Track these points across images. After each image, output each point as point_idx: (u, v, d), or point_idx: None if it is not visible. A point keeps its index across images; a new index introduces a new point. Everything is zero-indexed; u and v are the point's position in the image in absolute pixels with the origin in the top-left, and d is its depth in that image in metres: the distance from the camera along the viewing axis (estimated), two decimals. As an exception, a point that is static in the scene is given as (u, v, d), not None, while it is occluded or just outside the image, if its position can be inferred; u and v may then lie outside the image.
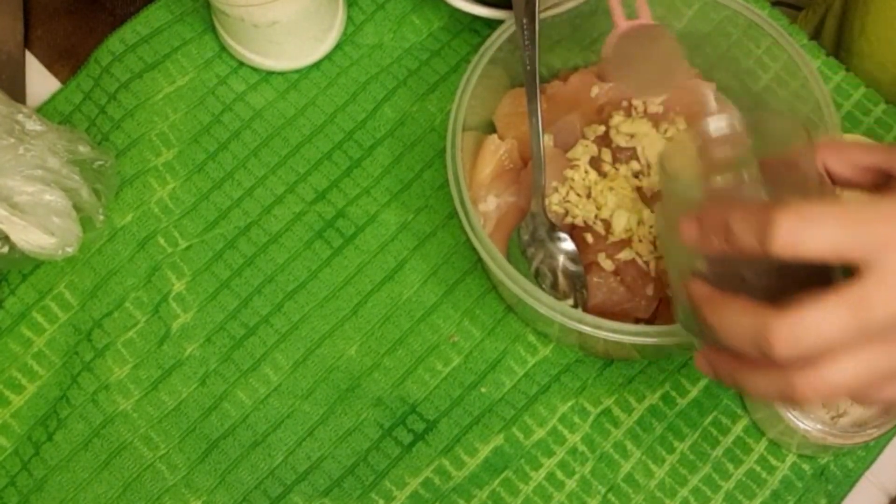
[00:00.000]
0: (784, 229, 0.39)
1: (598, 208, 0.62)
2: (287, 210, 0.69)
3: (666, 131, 0.65)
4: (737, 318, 0.42)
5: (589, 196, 0.63)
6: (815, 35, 0.85)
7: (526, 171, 0.65)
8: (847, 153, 0.48)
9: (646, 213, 0.62)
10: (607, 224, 0.62)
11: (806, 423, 0.58)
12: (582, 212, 0.63)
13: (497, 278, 0.57)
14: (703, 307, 0.44)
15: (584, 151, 0.64)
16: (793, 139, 0.47)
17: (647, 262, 0.62)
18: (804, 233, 0.39)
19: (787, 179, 0.47)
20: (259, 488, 0.63)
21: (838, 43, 0.81)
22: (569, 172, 0.64)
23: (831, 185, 0.48)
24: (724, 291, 0.44)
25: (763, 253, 0.40)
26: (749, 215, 0.41)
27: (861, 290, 0.39)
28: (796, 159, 0.47)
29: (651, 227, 0.62)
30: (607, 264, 0.62)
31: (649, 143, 0.63)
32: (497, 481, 0.63)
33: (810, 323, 0.39)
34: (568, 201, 0.63)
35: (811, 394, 0.41)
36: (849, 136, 0.66)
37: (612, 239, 0.62)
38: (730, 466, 0.63)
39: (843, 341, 0.40)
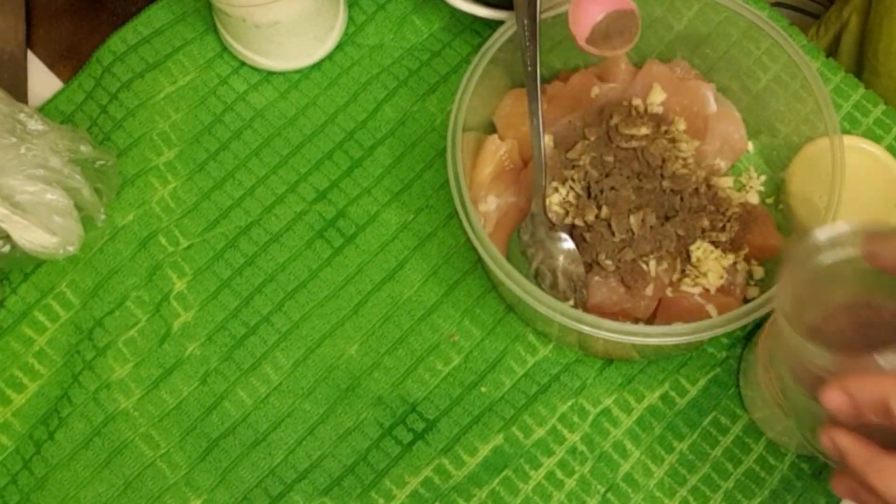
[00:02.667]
0: None
1: (598, 208, 0.63)
2: (288, 209, 0.69)
3: (666, 132, 0.65)
4: None
5: (589, 196, 0.63)
6: (831, 53, 0.84)
7: (526, 171, 0.65)
8: None
9: (645, 212, 0.62)
10: (607, 224, 0.62)
11: None
12: (582, 212, 0.63)
13: (497, 278, 0.57)
14: (860, 467, 0.41)
15: (584, 152, 0.64)
16: None
17: (646, 263, 0.62)
18: None
19: None
20: (259, 487, 0.63)
21: (860, 63, 0.80)
22: (569, 173, 0.64)
23: None
24: (871, 439, 0.41)
25: None
26: None
27: None
28: None
29: (651, 227, 0.62)
30: (607, 264, 0.62)
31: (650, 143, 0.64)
32: (497, 480, 0.63)
33: None
34: (568, 201, 0.63)
35: None
36: (848, 138, 0.66)
37: (612, 239, 0.62)
38: (729, 466, 0.63)
39: None
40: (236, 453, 0.64)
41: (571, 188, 0.64)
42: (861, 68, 0.79)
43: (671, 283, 0.62)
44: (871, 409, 0.40)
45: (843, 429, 0.42)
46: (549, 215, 0.63)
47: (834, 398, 0.41)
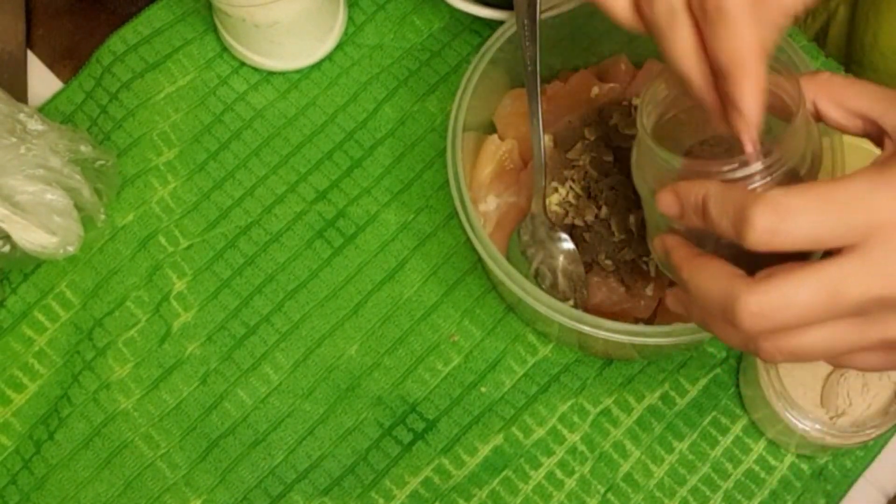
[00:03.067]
0: (760, 226, 0.38)
1: (598, 208, 0.63)
2: (288, 209, 0.69)
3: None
4: (708, 283, 0.41)
5: (589, 196, 0.63)
6: (818, 43, 0.84)
7: (526, 171, 0.65)
8: (838, 94, 0.45)
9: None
10: (607, 224, 0.62)
11: (805, 423, 0.58)
12: (582, 212, 0.63)
13: (497, 278, 0.57)
14: (678, 264, 0.43)
15: (583, 151, 0.64)
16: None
17: (646, 262, 0.62)
18: (781, 228, 0.38)
19: (772, 117, 0.46)
20: (259, 487, 0.63)
21: (848, 55, 0.80)
22: (569, 173, 0.64)
23: (816, 127, 0.47)
24: (700, 249, 0.43)
25: (739, 242, 0.39)
26: (726, 202, 0.40)
27: (839, 270, 0.38)
28: (781, 95, 0.46)
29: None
30: (607, 264, 0.62)
31: None
32: (497, 481, 0.63)
33: (781, 298, 0.38)
34: (568, 201, 0.63)
35: (777, 357, 0.40)
36: (847, 137, 0.66)
37: (611, 239, 0.62)
38: (729, 466, 0.63)
39: (813, 318, 0.39)
40: (236, 453, 0.64)
41: (571, 188, 0.64)
42: (849, 60, 0.79)
43: (671, 283, 0.62)
44: (693, 209, 0.42)
45: (675, 235, 0.45)
46: (549, 215, 0.63)
47: (663, 199, 0.43)
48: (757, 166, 0.43)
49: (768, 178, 0.43)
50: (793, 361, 0.41)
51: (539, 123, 0.61)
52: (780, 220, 0.38)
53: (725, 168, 0.43)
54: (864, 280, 0.38)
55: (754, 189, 0.43)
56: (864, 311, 0.39)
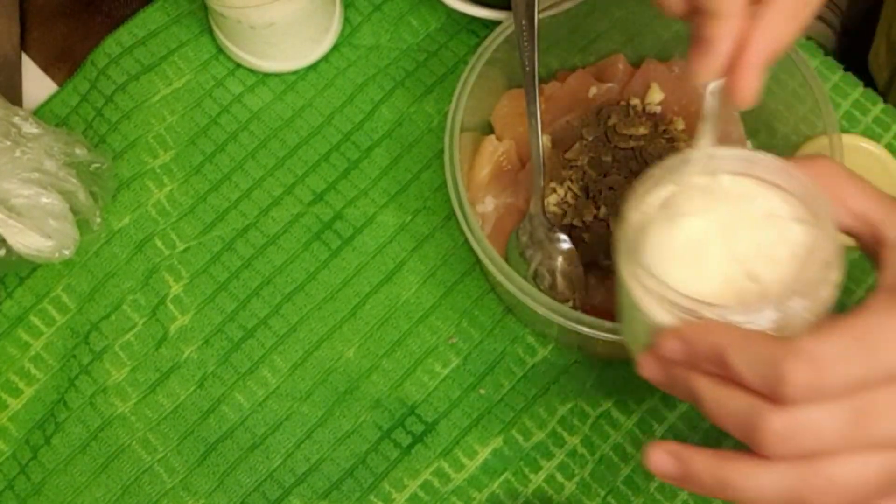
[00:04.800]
0: (799, 384, 0.36)
1: (597, 209, 0.62)
2: (285, 212, 0.69)
3: (664, 132, 0.65)
4: (728, 402, 0.39)
5: (588, 196, 0.63)
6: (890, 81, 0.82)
7: (524, 171, 0.64)
8: (836, 186, 0.43)
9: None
10: (606, 224, 0.62)
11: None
12: (580, 212, 0.63)
13: (495, 280, 0.57)
14: (689, 378, 0.41)
15: (582, 152, 0.64)
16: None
17: (645, 263, 0.62)
18: (820, 383, 0.36)
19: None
20: (257, 491, 0.63)
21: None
22: (567, 173, 0.64)
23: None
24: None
25: (772, 397, 0.37)
26: (754, 356, 0.38)
27: (868, 400, 0.37)
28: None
29: None
30: (606, 265, 0.62)
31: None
32: (496, 483, 0.63)
33: (805, 420, 0.37)
34: (566, 202, 0.63)
35: (828, 495, 0.38)
36: (847, 137, 0.66)
37: (611, 239, 0.62)
38: (729, 467, 0.63)
39: (842, 444, 0.37)
40: (234, 457, 0.64)
41: (570, 188, 0.64)
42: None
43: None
44: (707, 358, 0.39)
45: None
46: (548, 216, 0.63)
47: (668, 345, 0.41)
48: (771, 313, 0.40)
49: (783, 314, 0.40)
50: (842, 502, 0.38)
51: (537, 124, 0.61)
52: (817, 375, 0.36)
53: (743, 318, 0.40)
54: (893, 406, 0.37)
55: (775, 330, 0.40)
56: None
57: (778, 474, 0.38)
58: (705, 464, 0.40)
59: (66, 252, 0.64)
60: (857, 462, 0.37)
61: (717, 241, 0.44)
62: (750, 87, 0.43)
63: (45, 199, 0.62)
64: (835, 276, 0.42)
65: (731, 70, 0.43)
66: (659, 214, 0.45)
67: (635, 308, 0.43)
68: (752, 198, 0.45)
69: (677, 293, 0.41)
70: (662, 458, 0.41)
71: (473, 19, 0.70)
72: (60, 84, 0.73)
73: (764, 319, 0.40)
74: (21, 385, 0.66)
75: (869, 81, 0.73)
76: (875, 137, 0.69)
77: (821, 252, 0.42)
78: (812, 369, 0.36)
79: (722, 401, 0.39)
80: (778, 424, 0.37)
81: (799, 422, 0.37)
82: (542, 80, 0.66)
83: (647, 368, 0.43)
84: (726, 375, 0.39)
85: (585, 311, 0.60)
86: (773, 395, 0.37)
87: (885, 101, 0.71)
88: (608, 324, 0.55)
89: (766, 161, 0.45)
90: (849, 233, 0.44)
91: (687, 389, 0.41)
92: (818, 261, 0.42)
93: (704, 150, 0.46)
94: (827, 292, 0.42)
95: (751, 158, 0.45)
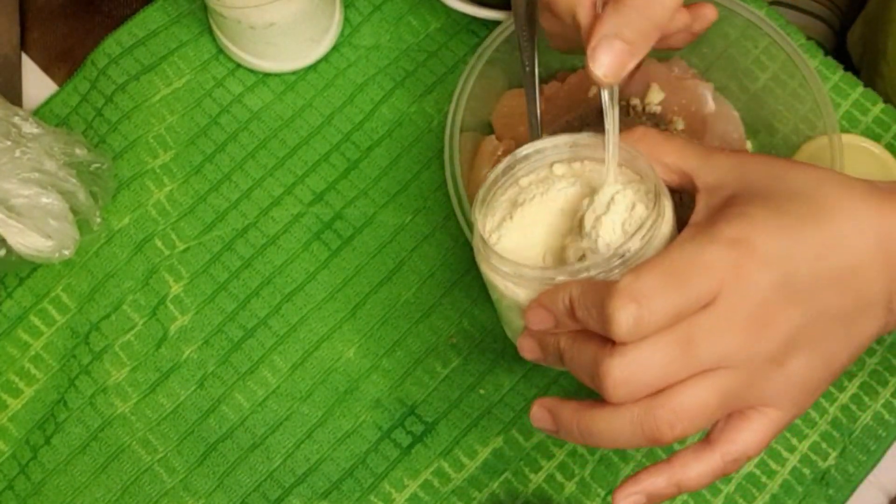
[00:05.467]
0: (624, 321, 0.40)
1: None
2: (285, 212, 0.69)
3: (664, 131, 0.65)
4: (578, 357, 0.44)
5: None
6: (871, 55, 0.84)
7: (524, 172, 0.64)
8: (654, 149, 0.49)
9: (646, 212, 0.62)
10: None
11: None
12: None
13: (495, 280, 0.57)
14: (556, 341, 0.45)
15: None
16: None
17: (645, 263, 0.62)
18: (643, 317, 0.40)
19: None
20: (257, 491, 0.63)
21: (872, 64, 0.80)
22: (567, 173, 0.64)
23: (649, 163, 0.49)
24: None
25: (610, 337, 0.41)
26: (588, 302, 0.42)
27: (689, 329, 0.41)
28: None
29: None
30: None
31: None
32: (496, 483, 0.63)
33: (641, 361, 0.41)
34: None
35: (677, 425, 0.42)
36: (847, 137, 0.66)
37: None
38: (729, 468, 0.63)
39: (673, 375, 0.41)
40: (234, 457, 0.64)
41: (569, 189, 0.64)
42: (868, 68, 0.79)
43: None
44: (564, 314, 0.44)
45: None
46: (548, 216, 0.62)
47: (535, 316, 0.46)
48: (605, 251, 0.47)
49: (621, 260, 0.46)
50: (691, 428, 0.42)
51: (537, 124, 0.61)
52: (637, 310, 0.40)
53: (577, 267, 0.46)
54: (713, 337, 0.41)
55: (612, 275, 0.45)
56: (720, 365, 0.42)
57: (628, 415, 0.42)
58: (570, 415, 0.44)
59: (66, 252, 0.64)
60: (694, 388, 0.41)
61: (557, 220, 0.50)
62: (603, 61, 0.47)
63: (45, 200, 0.62)
64: (664, 224, 0.47)
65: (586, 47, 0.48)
66: (505, 213, 0.51)
67: (503, 297, 0.49)
68: (580, 176, 0.51)
69: (528, 266, 0.47)
70: (540, 412, 0.47)
71: (473, 19, 0.70)
72: (60, 84, 0.73)
73: (609, 269, 0.45)
74: (21, 385, 0.66)
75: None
76: (875, 137, 0.69)
77: (646, 202, 0.48)
78: (633, 305, 0.40)
79: (575, 354, 0.44)
80: (616, 371, 0.41)
81: (632, 365, 0.41)
82: (542, 80, 0.66)
83: (527, 349, 0.48)
84: (581, 330, 0.44)
85: (585, 311, 0.60)
86: (608, 337, 0.41)
87: (859, 76, 0.72)
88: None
89: (588, 140, 0.50)
90: (671, 186, 0.48)
91: (557, 354, 0.45)
92: (644, 209, 0.48)
93: (532, 145, 0.51)
94: (659, 237, 0.47)
95: (574, 142, 0.51)
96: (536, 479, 0.63)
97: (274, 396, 0.65)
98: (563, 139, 0.51)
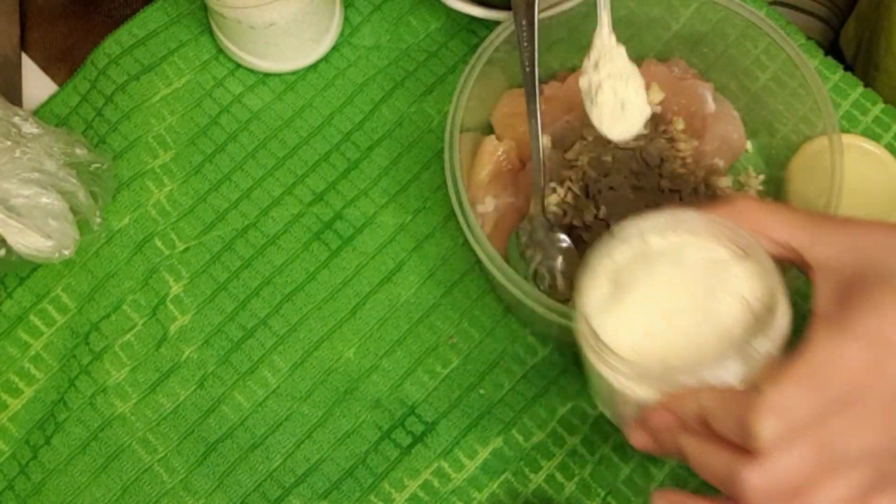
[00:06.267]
0: (768, 437, 0.40)
1: (597, 209, 0.62)
2: (285, 212, 0.69)
3: (664, 131, 0.65)
4: (710, 460, 0.44)
5: (588, 196, 0.63)
6: (865, 53, 0.84)
7: (524, 172, 0.64)
8: (758, 223, 0.47)
9: (644, 212, 0.62)
10: (606, 224, 0.62)
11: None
12: (580, 212, 0.63)
13: (496, 280, 0.57)
14: (677, 440, 0.45)
15: (582, 152, 0.64)
16: None
17: (645, 263, 0.62)
18: (787, 428, 0.40)
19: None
20: (257, 491, 0.63)
21: (867, 61, 0.81)
22: (567, 173, 0.64)
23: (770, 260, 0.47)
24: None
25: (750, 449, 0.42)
26: (727, 417, 0.42)
27: (828, 432, 0.41)
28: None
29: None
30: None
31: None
32: (496, 484, 0.63)
33: (780, 469, 0.41)
34: (566, 202, 0.63)
35: None
36: (847, 137, 0.66)
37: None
38: (729, 467, 0.63)
39: (814, 477, 0.41)
40: (234, 457, 0.64)
41: (570, 189, 0.64)
42: (868, 66, 0.79)
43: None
44: (694, 421, 0.44)
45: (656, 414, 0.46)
46: (548, 216, 0.62)
47: (658, 418, 0.45)
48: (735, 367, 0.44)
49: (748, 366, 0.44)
50: None
51: (537, 124, 0.61)
52: (782, 424, 0.40)
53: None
54: (849, 434, 0.41)
55: (742, 371, 0.44)
56: (856, 460, 0.41)
57: None
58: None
59: (66, 252, 0.64)
60: (831, 486, 0.41)
61: (665, 299, 0.47)
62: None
63: (45, 199, 0.62)
64: (782, 304, 0.45)
65: None
66: (609, 296, 0.48)
67: (612, 390, 0.47)
68: (684, 249, 0.48)
69: (652, 367, 0.46)
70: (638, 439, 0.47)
71: (473, 19, 0.70)
72: (60, 84, 0.73)
73: (730, 368, 0.44)
74: (21, 385, 0.66)
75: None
76: (875, 137, 0.69)
77: (763, 287, 0.46)
78: (776, 420, 0.40)
79: (705, 458, 0.44)
80: (755, 479, 0.41)
81: (772, 473, 0.41)
82: (542, 81, 0.66)
83: (639, 442, 0.47)
84: (707, 431, 0.44)
85: (585, 311, 0.60)
86: (747, 448, 0.41)
87: (853, 73, 0.71)
88: (608, 324, 0.55)
89: (688, 216, 0.48)
90: (779, 260, 0.47)
91: (676, 450, 0.45)
92: (764, 296, 0.46)
93: (632, 225, 0.48)
94: (781, 321, 0.45)
95: (673, 218, 0.48)
96: (536, 479, 0.63)
97: (274, 396, 0.65)
98: (660, 216, 0.49)
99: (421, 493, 0.63)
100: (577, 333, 0.49)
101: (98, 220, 0.66)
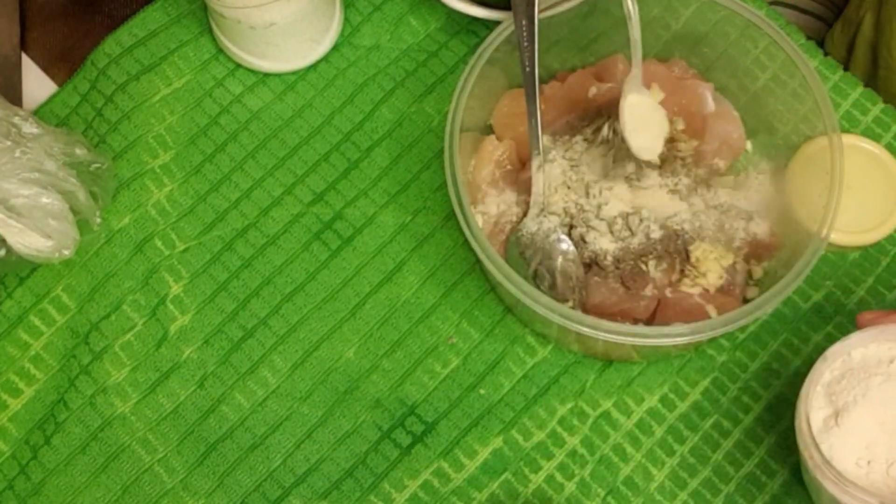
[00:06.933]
0: None
1: (598, 208, 0.62)
2: (285, 212, 0.69)
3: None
4: None
5: (588, 196, 0.63)
6: (849, 52, 0.84)
7: (524, 171, 0.64)
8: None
9: (644, 212, 0.62)
10: (606, 224, 0.62)
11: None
12: (581, 212, 0.63)
13: (495, 280, 0.57)
14: None
15: (582, 152, 0.64)
16: None
17: (646, 263, 0.62)
18: None
19: None
20: (257, 491, 0.63)
21: (874, 60, 0.81)
22: (567, 173, 0.64)
23: None
24: None
25: None
26: None
27: None
28: None
29: (650, 227, 0.62)
30: (606, 265, 0.62)
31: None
32: (496, 484, 0.63)
33: None
34: (567, 202, 0.63)
35: None
36: (847, 137, 0.66)
37: (611, 239, 0.62)
38: (730, 470, 0.63)
39: None
40: (234, 457, 0.64)
41: (570, 188, 0.64)
42: (876, 66, 0.79)
43: (670, 284, 0.62)
44: None
45: None
46: (548, 216, 0.62)
47: None
48: None
49: None
50: None
51: (537, 124, 0.61)
52: None
53: None
54: None
55: None
56: None
57: None
58: None
59: (66, 252, 0.64)
60: None
61: (884, 412, 0.51)
62: None
63: (45, 200, 0.62)
64: None
65: None
66: (826, 416, 0.52)
67: None
68: (893, 361, 0.51)
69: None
70: None
71: (473, 19, 0.70)
72: (60, 84, 0.73)
73: None
74: (21, 385, 0.66)
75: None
76: (875, 137, 0.69)
77: None
78: None
79: None
80: None
81: None
82: (542, 80, 0.66)
83: None
84: None
85: (585, 311, 0.60)
86: None
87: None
88: (608, 324, 0.55)
89: (890, 328, 0.51)
90: None
91: None
92: None
93: (837, 344, 0.52)
94: None
95: (879, 331, 0.51)
96: (536, 479, 0.63)
97: (274, 396, 0.65)
98: (866, 331, 0.52)
99: (421, 493, 0.63)
100: (803, 457, 0.51)
101: (98, 220, 0.66)
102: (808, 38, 0.72)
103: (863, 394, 0.51)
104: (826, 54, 0.72)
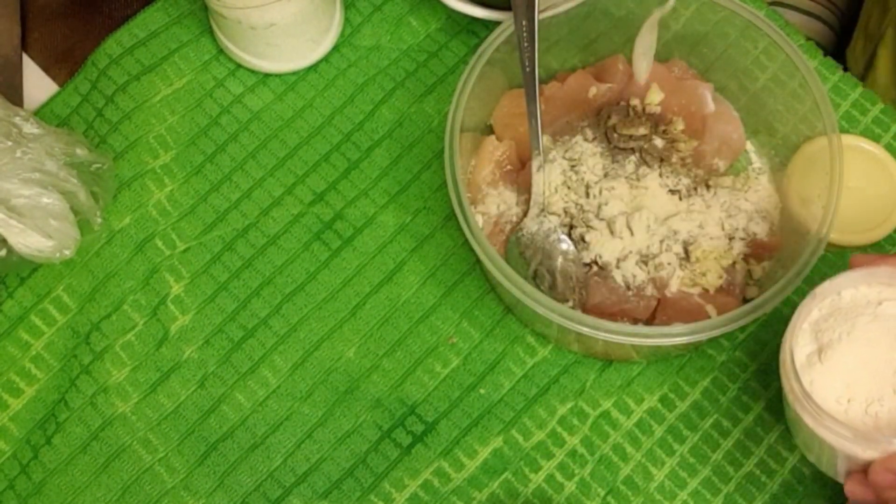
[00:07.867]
0: None
1: (598, 208, 0.62)
2: (285, 212, 0.69)
3: (664, 132, 0.65)
4: None
5: (588, 196, 0.63)
6: (869, 65, 0.84)
7: (524, 172, 0.64)
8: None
9: (644, 212, 0.62)
10: (606, 224, 0.62)
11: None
12: (581, 212, 0.63)
13: (496, 280, 0.57)
14: None
15: (582, 152, 0.64)
16: None
17: (645, 262, 0.62)
18: None
19: None
20: (258, 490, 0.63)
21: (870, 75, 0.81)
22: (567, 173, 0.64)
23: None
24: None
25: None
26: None
27: None
28: None
29: (650, 227, 0.62)
30: (606, 264, 0.62)
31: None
32: (496, 483, 0.63)
33: None
34: (567, 202, 0.63)
35: None
36: (846, 137, 0.66)
37: (611, 239, 0.62)
38: (730, 469, 0.63)
39: None
40: (234, 457, 0.64)
41: (570, 189, 0.64)
42: None
43: (670, 284, 0.62)
44: None
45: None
46: (548, 216, 0.63)
47: (880, 476, 0.47)
48: None
49: None
50: None
51: (537, 124, 0.61)
52: None
53: None
54: None
55: None
56: None
57: None
58: None
59: (67, 252, 0.64)
60: None
61: (868, 353, 0.50)
62: None
63: (45, 200, 0.62)
64: None
65: None
66: (810, 352, 0.52)
67: (827, 446, 0.49)
68: (881, 303, 0.51)
69: (873, 434, 0.48)
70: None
71: (473, 19, 0.70)
72: (61, 84, 0.73)
73: None
74: (22, 385, 0.66)
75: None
76: (875, 137, 0.69)
77: None
78: None
79: None
80: None
81: None
82: (542, 81, 0.66)
83: (858, 494, 0.49)
84: None
85: (585, 311, 0.60)
86: None
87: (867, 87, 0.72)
88: (608, 324, 0.55)
89: (882, 270, 0.51)
90: None
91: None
92: None
93: (827, 282, 0.52)
94: None
95: (867, 272, 0.51)
96: (536, 479, 0.63)
97: (274, 396, 0.65)
98: (856, 271, 0.51)
99: (421, 493, 0.63)
100: (784, 390, 0.51)
101: (99, 220, 0.66)
102: (808, 38, 0.72)
103: (848, 332, 0.51)
104: (846, 69, 0.72)
